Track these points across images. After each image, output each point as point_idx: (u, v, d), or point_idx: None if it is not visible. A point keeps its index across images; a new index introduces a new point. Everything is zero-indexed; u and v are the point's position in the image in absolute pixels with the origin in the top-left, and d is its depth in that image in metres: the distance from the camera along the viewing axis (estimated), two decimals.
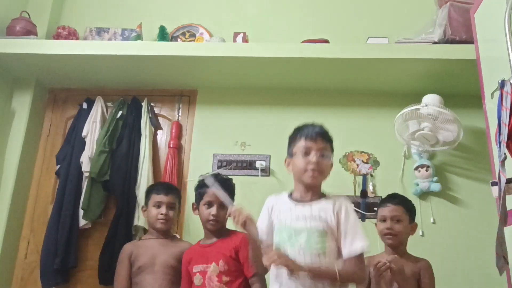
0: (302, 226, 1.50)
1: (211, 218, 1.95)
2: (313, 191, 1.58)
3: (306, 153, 1.54)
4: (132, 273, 2.07)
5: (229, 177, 2.12)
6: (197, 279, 1.89)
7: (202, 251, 1.95)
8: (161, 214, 2.12)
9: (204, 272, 1.87)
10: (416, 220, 2.00)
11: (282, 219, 1.56)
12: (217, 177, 1.96)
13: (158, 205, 2.13)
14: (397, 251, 1.89)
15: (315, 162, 1.52)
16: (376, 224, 2.01)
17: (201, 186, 2.02)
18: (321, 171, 1.54)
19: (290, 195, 1.63)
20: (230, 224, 1.96)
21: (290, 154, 1.62)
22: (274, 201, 1.64)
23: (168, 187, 2.28)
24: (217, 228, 1.97)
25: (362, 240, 1.49)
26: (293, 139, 1.63)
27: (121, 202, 2.56)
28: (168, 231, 2.20)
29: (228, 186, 1.97)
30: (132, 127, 2.74)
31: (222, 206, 1.91)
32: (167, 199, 2.14)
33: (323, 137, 1.58)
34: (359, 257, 1.48)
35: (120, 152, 2.66)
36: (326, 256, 1.46)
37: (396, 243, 1.89)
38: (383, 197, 2.09)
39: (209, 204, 1.96)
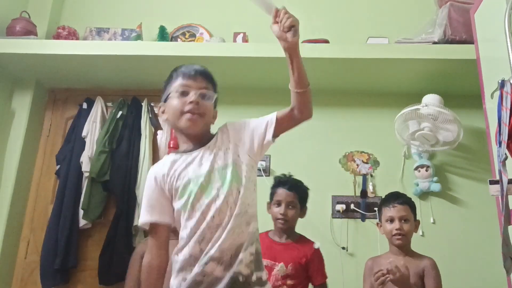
0: (208, 169, 1.27)
1: (280, 216, 1.97)
2: (198, 138, 1.34)
3: (184, 93, 1.30)
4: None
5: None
6: None
7: (271, 246, 1.97)
8: None
9: (271, 268, 1.90)
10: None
11: (182, 175, 1.29)
12: (289, 179, 2.04)
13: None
14: (403, 250, 1.89)
15: (194, 101, 1.28)
16: (378, 224, 2.01)
17: (273, 187, 2.06)
18: (201, 113, 1.30)
19: (176, 150, 1.40)
20: (298, 228, 2.03)
21: (164, 99, 1.35)
22: (159, 169, 1.34)
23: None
24: (286, 227, 1.99)
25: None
26: (168, 80, 1.37)
27: (121, 202, 2.56)
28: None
29: (299, 188, 2.04)
30: (132, 127, 2.74)
31: (291, 206, 1.98)
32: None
33: (204, 75, 1.35)
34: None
35: (120, 152, 2.66)
36: (245, 187, 1.27)
37: (405, 243, 1.90)
38: (383, 197, 2.09)
39: (278, 204, 1.99)
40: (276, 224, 2.01)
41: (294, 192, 2.00)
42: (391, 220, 1.91)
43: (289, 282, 1.89)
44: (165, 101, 1.34)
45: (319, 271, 1.97)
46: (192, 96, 1.29)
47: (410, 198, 1.99)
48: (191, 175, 1.28)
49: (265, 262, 1.91)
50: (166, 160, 1.35)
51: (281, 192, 1.98)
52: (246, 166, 1.31)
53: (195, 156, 1.31)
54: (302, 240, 2.02)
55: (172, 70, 1.38)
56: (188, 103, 1.28)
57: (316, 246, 1.99)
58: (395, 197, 1.97)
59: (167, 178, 1.30)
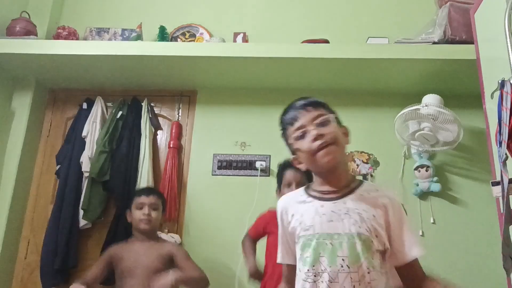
0: (338, 231, 1.09)
1: None
2: (340, 178, 1.16)
3: (303, 134, 1.14)
4: (115, 277, 2.09)
5: None
6: None
7: None
8: (144, 214, 2.13)
9: None
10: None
11: (306, 223, 1.13)
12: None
13: (141, 207, 2.16)
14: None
15: (318, 134, 1.11)
16: None
17: (280, 171, 2.11)
18: (332, 141, 1.12)
19: (308, 189, 1.22)
20: None
21: (291, 148, 1.21)
22: (286, 203, 1.22)
23: (150, 189, 2.35)
24: None
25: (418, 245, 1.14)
26: (282, 133, 1.24)
27: (121, 202, 2.56)
28: (152, 232, 2.20)
29: None
30: (132, 127, 2.74)
31: (300, 185, 2.02)
32: (149, 200, 2.17)
33: (312, 105, 1.18)
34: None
35: (120, 152, 2.66)
36: (375, 274, 1.07)
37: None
38: None
39: (289, 184, 2.04)
40: None
41: (299, 173, 2.04)
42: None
43: None
44: (294, 153, 1.20)
45: None
46: (313, 132, 1.12)
47: None
48: (318, 228, 1.11)
49: None
50: (297, 195, 1.21)
51: (290, 173, 2.04)
52: (378, 255, 1.10)
53: (329, 206, 1.13)
54: None
55: (279, 121, 1.23)
56: (313, 139, 1.12)
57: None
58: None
59: (291, 216, 1.18)
